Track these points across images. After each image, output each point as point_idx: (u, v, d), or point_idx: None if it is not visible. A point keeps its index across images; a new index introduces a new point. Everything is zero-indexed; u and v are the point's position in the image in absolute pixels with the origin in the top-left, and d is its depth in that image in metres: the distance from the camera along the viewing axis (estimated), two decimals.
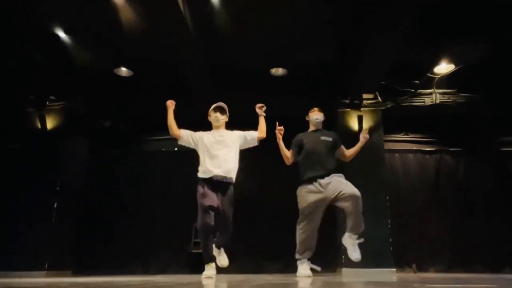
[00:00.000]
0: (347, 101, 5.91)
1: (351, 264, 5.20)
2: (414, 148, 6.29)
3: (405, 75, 5.85)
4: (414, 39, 4.95)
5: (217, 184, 3.55)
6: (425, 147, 6.29)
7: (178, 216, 6.03)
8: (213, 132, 3.79)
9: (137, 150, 6.57)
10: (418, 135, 6.34)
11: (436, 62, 5.56)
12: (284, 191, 5.58)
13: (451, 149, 6.24)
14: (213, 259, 3.60)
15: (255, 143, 3.85)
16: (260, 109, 3.85)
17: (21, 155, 5.86)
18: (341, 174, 3.93)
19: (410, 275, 4.85)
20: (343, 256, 5.27)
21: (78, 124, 6.18)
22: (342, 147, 4.12)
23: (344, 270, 5.17)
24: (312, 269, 3.93)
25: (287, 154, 4.06)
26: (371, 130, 5.82)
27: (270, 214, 5.96)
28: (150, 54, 5.37)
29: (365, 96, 5.86)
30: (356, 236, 3.80)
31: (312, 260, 4.01)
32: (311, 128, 4.21)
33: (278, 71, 5.82)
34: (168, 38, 4.82)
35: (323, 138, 4.03)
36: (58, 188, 5.69)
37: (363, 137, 4.02)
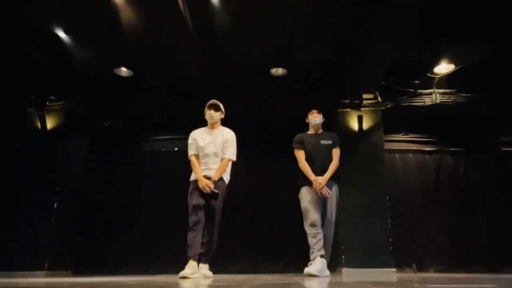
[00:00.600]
0: (347, 101, 5.91)
1: (351, 264, 5.23)
2: (414, 148, 6.28)
3: (405, 75, 5.85)
4: (414, 39, 4.95)
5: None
6: (425, 147, 6.28)
7: (178, 216, 5.99)
8: (206, 131, 3.98)
9: (137, 150, 6.56)
10: (418, 135, 6.33)
11: (436, 62, 5.56)
12: (284, 191, 5.59)
13: (451, 149, 6.24)
14: (197, 255, 3.64)
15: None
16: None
17: (21, 155, 5.86)
18: (336, 185, 4.05)
19: (410, 275, 4.85)
20: (343, 256, 5.28)
21: (78, 124, 6.18)
22: (336, 150, 4.10)
23: (344, 270, 5.17)
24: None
25: (303, 159, 4.08)
26: (371, 130, 5.84)
27: (270, 214, 5.95)
28: (150, 54, 5.37)
29: (365, 96, 5.86)
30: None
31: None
32: (311, 130, 4.24)
33: (278, 71, 5.81)
34: (168, 38, 4.82)
35: (323, 142, 4.08)
36: (58, 188, 5.70)
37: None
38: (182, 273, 3.44)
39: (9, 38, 4.98)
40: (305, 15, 4.66)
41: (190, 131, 4.07)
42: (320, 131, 4.24)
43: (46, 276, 5.19)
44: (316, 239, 3.78)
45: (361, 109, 5.85)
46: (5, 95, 6.04)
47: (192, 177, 3.86)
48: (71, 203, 5.87)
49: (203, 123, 4.06)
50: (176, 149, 6.18)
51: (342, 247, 5.31)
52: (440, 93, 5.96)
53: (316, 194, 3.92)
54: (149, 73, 5.89)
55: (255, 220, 5.98)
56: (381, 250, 5.24)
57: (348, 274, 5.00)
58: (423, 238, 5.84)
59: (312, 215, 3.85)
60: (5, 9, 4.48)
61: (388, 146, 6.06)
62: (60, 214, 5.62)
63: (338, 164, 4.06)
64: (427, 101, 5.95)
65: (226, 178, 3.92)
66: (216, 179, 3.76)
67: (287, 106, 5.88)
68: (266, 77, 5.89)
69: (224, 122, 4.11)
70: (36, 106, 5.98)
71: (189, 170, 3.93)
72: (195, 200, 3.70)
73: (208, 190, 3.67)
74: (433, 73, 5.75)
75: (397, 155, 6.24)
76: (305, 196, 3.97)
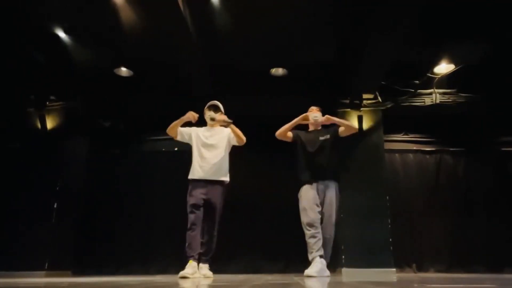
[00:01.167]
0: (347, 101, 5.91)
1: (351, 264, 5.23)
2: (414, 148, 6.28)
3: (405, 75, 5.85)
4: (414, 39, 4.95)
5: (204, 183, 3.77)
6: (425, 147, 6.28)
7: (178, 216, 5.99)
8: (205, 131, 3.98)
9: (137, 150, 6.56)
10: (418, 135, 6.33)
11: (436, 62, 5.56)
12: (284, 191, 5.59)
13: (451, 149, 6.24)
14: (196, 254, 3.65)
15: (235, 143, 3.98)
16: (224, 122, 3.84)
17: (21, 155, 5.86)
18: (336, 184, 4.01)
19: (410, 275, 4.85)
20: (343, 256, 5.29)
21: (78, 124, 6.18)
22: (339, 129, 4.09)
23: (344, 270, 5.18)
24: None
25: (288, 130, 4.10)
26: (371, 130, 5.84)
27: (270, 214, 5.95)
28: (150, 54, 5.37)
29: (365, 96, 5.86)
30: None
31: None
32: (310, 128, 4.23)
33: (278, 71, 5.81)
34: (168, 38, 4.82)
35: (321, 138, 4.05)
36: (58, 188, 5.70)
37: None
38: (182, 273, 3.44)
39: (9, 38, 4.98)
40: (305, 15, 4.66)
41: None
42: (319, 128, 4.23)
43: (46, 276, 5.19)
44: (315, 239, 3.73)
45: (361, 109, 5.85)
46: (5, 95, 6.04)
47: (191, 176, 3.84)
48: (71, 203, 5.86)
49: (203, 123, 4.06)
50: (176, 149, 6.17)
51: (342, 247, 5.31)
52: (440, 93, 5.96)
53: (316, 193, 3.89)
54: (149, 73, 5.89)
55: (255, 220, 5.98)
56: (381, 250, 5.24)
57: (348, 274, 5.00)
58: (423, 238, 5.84)
59: (311, 214, 3.83)
60: (5, 9, 4.48)
61: (388, 146, 6.06)
62: (60, 214, 5.62)
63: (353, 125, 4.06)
64: (427, 101, 5.95)
65: (226, 178, 3.92)
66: (228, 119, 3.78)
67: (287, 106, 5.86)
68: (266, 77, 5.89)
69: None
70: (36, 106, 5.98)
71: (189, 169, 3.92)
72: (194, 199, 3.72)
73: (195, 118, 3.76)
74: (433, 73, 5.75)
75: (397, 155, 6.24)
76: (305, 195, 3.95)
